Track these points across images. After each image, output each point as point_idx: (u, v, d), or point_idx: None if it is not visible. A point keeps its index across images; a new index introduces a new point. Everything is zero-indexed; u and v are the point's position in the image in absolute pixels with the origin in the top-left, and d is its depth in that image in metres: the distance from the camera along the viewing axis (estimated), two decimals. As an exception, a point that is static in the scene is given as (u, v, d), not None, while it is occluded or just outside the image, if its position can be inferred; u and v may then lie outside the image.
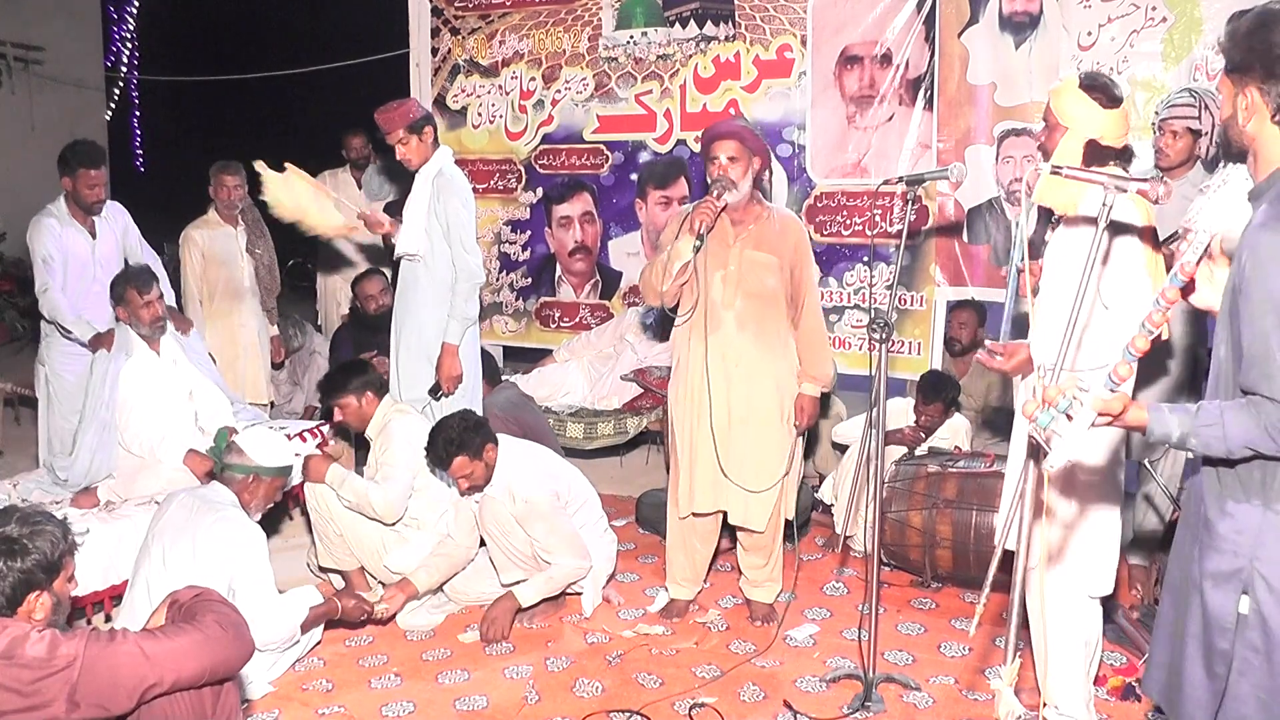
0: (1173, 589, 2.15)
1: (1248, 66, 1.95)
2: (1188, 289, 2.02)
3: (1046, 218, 3.04)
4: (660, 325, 5.42)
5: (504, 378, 5.54)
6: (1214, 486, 2.00)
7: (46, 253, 4.53)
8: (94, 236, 4.67)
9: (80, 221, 4.63)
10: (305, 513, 4.46)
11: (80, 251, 4.63)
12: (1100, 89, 2.81)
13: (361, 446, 4.57)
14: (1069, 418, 1.77)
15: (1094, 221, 2.75)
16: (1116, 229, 2.75)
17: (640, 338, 5.76)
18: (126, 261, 4.82)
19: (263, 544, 3.35)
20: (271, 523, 4.58)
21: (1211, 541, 1.98)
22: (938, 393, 4.55)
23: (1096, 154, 2.78)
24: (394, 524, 3.95)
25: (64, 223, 4.59)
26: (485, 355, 5.09)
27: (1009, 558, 2.26)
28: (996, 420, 5.06)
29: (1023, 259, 2.88)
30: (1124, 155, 2.94)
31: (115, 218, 4.80)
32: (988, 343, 3.02)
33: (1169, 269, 2.42)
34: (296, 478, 4.15)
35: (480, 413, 4.44)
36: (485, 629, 3.77)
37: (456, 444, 3.73)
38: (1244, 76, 1.96)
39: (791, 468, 3.79)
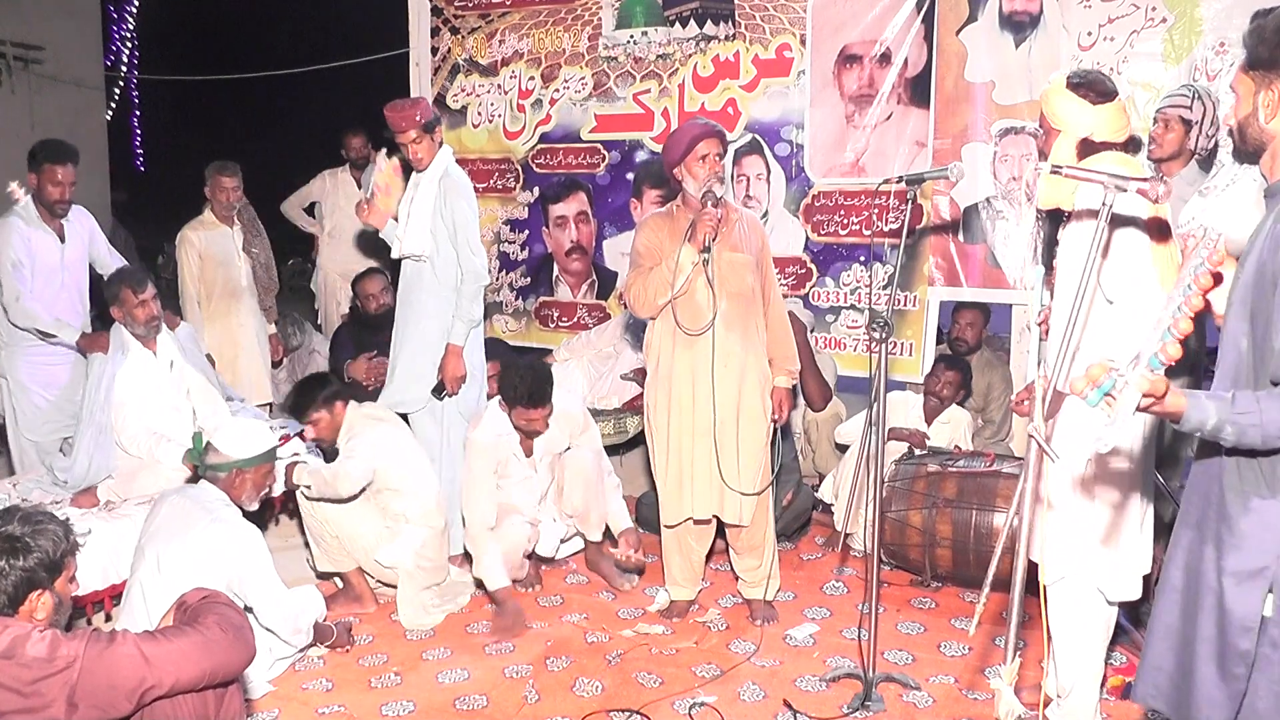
0: (1174, 591, 2.09)
1: (1274, 63, 1.94)
2: (1218, 278, 1.99)
3: (1054, 220, 3.02)
4: (638, 330, 5.43)
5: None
6: (1235, 483, 1.95)
7: (15, 257, 4.37)
8: (63, 240, 4.56)
9: (47, 223, 4.50)
10: (294, 517, 4.47)
11: (48, 256, 4.50)
12: (1089, 85, 2.78)
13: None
14: (1113, 399, 1.72)
15: (1096, 215, 2.76)
16: (1120, 222, 2.73)
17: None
18: (92, 268, 4.78)
19: (260, 542, 3.32)
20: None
21: (1234, 539, 1.94)
22: (958, 363, 4.69)
23: (1094, 151, 2.76)
24: (349, 500, 3.93)
25: (31, 224, 4.45)
26: (501, 346, 5.12)
27: (1009, 557, 2.26)
28: (997, 421, 5.06)
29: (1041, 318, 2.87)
30: (1128, 148, 2.91)
31: (82, 222, 4.69)
32: (1013, 396, 2.98)
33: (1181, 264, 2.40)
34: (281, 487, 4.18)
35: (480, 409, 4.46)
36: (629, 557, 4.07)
37: (548, 385, 3.98)
38: (1269, 74, 1.95)
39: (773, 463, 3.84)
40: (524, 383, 3.94)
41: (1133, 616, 3.66)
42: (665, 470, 3.80)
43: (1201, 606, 2.00)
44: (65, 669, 2.02)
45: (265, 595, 3.25)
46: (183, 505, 3.28)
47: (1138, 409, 1.74)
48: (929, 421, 4.68)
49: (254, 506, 3.42)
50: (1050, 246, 3.06)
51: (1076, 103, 2.78)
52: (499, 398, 4.08)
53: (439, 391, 4.23)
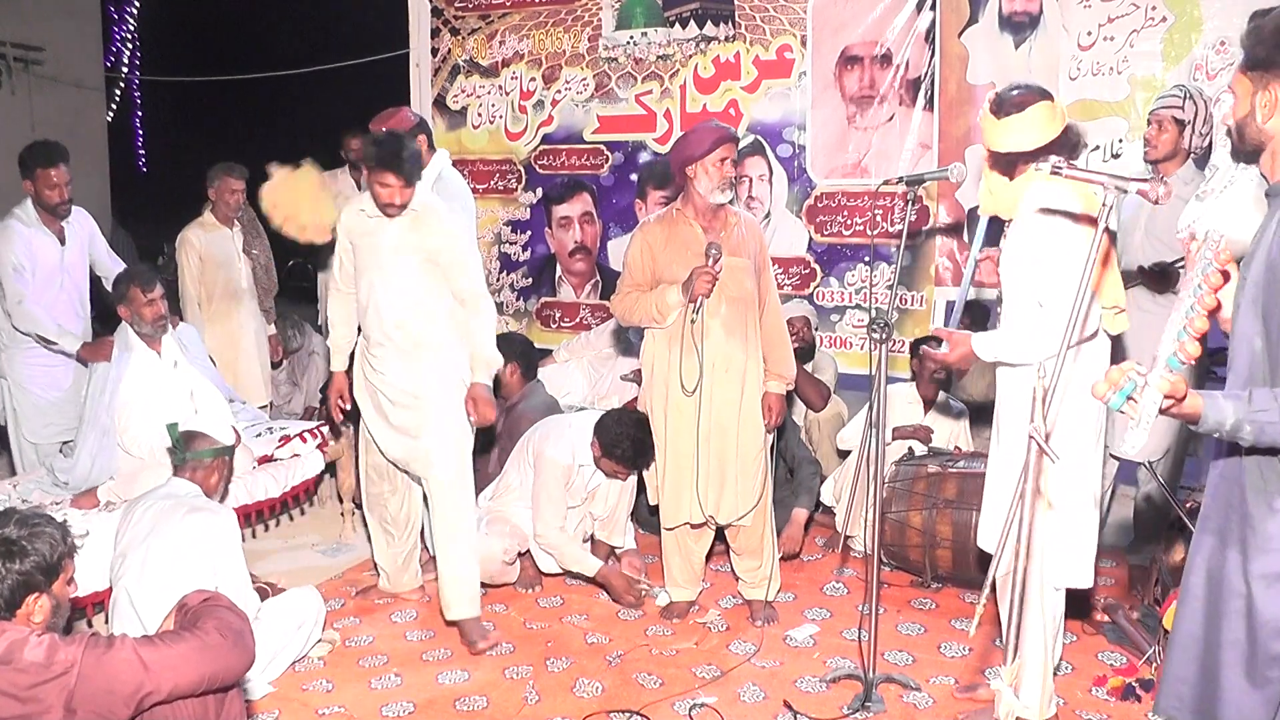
0: (1195, 599, 2.06)
1: (1271, 63, 1.94)
2: (1227, 275, 1.98)
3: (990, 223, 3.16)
4: (624, 333, 5.46)
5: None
6: (1257, 484, 1.94)
7: (16, 261, 4.35)
8: (63, 243, 4.54)
9: (48, 226, 4.48)
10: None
11: (48, 258, 4.48)
12: (995, 101, 2.91)
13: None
14: (1134, 400, 1.72)
15: (1041, 212, 2.84)
16: (1050, 220, 2.80)
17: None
18: (92, 270, 4.77)
19: (237, 532, 3.32)
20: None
21: (1259, 542, 1.92)
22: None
23: (997, 162, 2.93)
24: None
25: (31, 226, 4.43)
26: (526, 342, 5.14)
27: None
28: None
29: (980, 250, 3.00)
30: (1037, 157, 2.92)
31: (82, 224, 4.67)
32: (933, 328, 3.09)
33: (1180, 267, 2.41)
34: (310, 471, 4.19)
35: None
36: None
37: (650, 454, 3.90)
38: (1266, 74, 1.95)
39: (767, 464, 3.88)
40: (630, 446, 3.91)
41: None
42: (665, 474, 3.80)
43: (1226, 612, 1.98)
44: (63, 674, 2.01)
45: (233, 588, 3.22)
46: (158, 505, 3.26)
47: (1159, 411, 1.74)
48: (927, 409, 4.66)
49: (219, 498, 3.43)
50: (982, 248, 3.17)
51: (986, 118, 2.93)
52: (594, 431, 4.04)
53: None
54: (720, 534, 3.96)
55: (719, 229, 3.67)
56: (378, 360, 3.71)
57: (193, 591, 2.42)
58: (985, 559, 3.87)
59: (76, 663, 2.02)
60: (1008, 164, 2.91)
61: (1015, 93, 2.90)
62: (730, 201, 3.67)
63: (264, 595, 3.51)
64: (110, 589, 3.62)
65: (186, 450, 3.38)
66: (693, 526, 3.83)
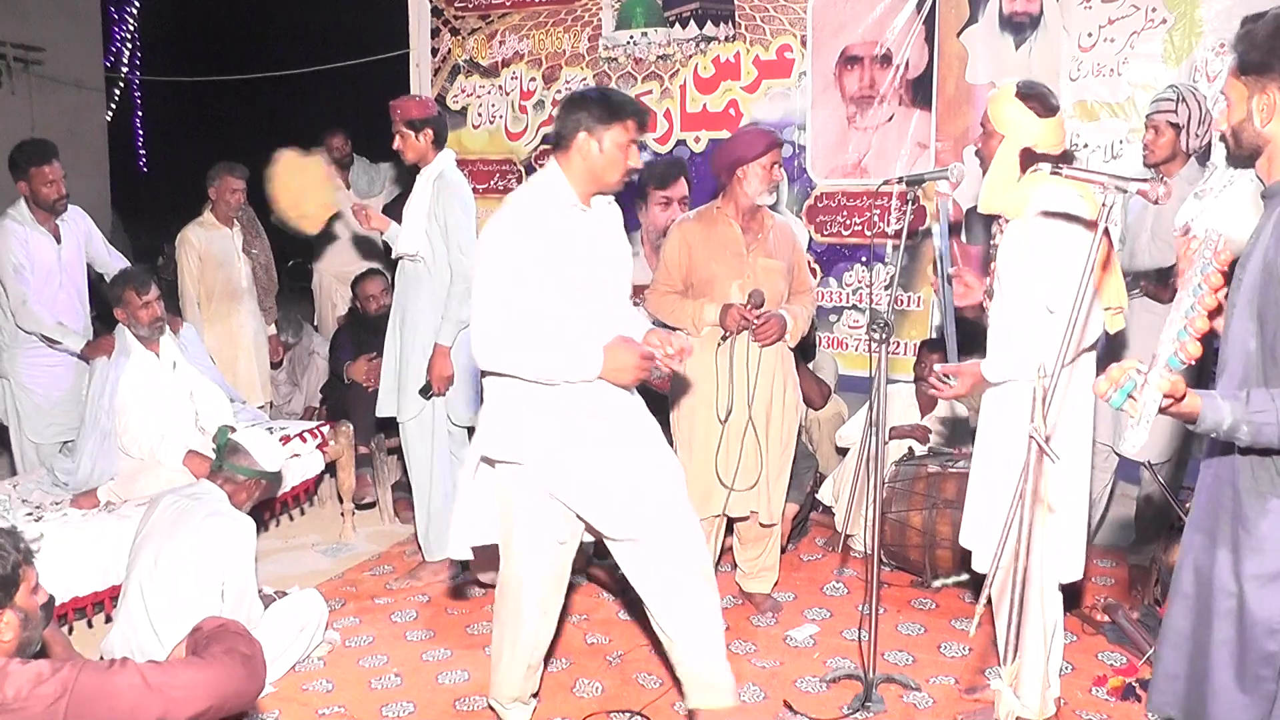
0: (1185, 597, 2.07)
1: (1267, 67, 1.94)
2: (1227, 277, 1.99)
3: (987, 222, 3.09)
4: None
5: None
6: (1250, 485, 1.94)
7: (17, 261, 4.36)
8: (59, 241, 4.54)
9: (43, 224, 4.49)
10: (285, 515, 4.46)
11: (46, 257, 4.49)
12: (1036, 97, 2.84)
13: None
14: (1134, 399, 1.74)
15: (1047, 215, 2.81)
16: (1059, 225, 2.77)
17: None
18: (90, 267, 4.77)
19: (253, 539, 3.36)
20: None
21: (1253, 542, 1.93)
22: (941, 345, 4.66)
23: (1032, 161, 2.79)
24: None
25: (28, 226, 4.44)
26: None
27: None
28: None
29: (953, 266, 2.95)
30: (1064, 160, 2.93)
31: (77, 222, 4.67)
32: (937, 367, 3.05)
33: (1177, 267, 2.41)
34: (310, 471, 4.13)
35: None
36: None
37: None
38: (1262, 78, 1.95)
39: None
40: None
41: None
42: (687, 467, 3.80)
43: (1216, 611, 1.99)
44: (52, 704, 1.92)
45: (237, 594, 3.25)
46: (180, 504, 3.31)
47: (1160, 409, 1.75)
48: (924, 412, 4.67)
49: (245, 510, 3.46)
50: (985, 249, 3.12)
51: (1024, 112, 2.83)
52: None
53: (426, 392, 4.21)
54: (727, 530, 3.98)
55: (757, 230, 3.71)
56: (607, 397, 2.82)
57: (207, 618, 2.37)
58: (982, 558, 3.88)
59: (67, 691, 1.94)
60: (1031, 161, 2.83)
61: (1044, 94, 2.86)
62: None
63: (267, 604, 3.52)
64: (110, 586, 3.65)
65: (225, 460, 3.42)
66: (721, 519, 3.85)
